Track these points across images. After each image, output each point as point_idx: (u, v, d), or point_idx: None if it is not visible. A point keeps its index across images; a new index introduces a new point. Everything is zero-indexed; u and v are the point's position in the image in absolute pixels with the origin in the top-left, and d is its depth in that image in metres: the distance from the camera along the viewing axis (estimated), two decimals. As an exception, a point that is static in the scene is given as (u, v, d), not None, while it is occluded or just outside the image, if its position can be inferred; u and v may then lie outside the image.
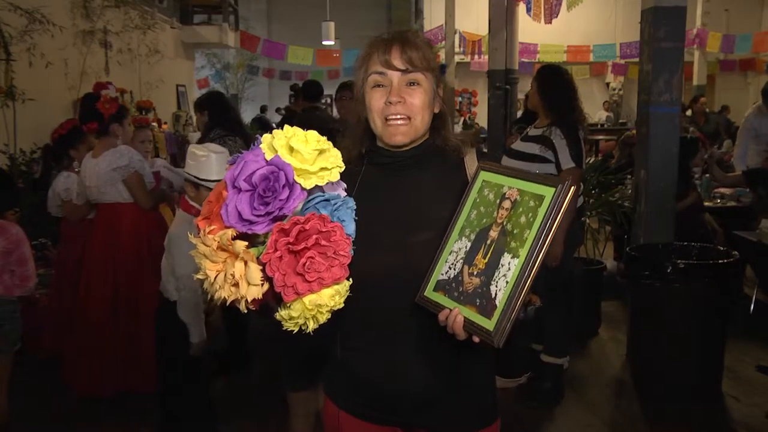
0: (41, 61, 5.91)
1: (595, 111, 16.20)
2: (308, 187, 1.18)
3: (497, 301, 1.17)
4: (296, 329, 1.20)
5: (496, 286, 1.18)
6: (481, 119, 12.38)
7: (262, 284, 1.15)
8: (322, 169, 1.19)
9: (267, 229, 1.16)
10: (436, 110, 1.45)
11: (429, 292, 1.29)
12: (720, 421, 3.41)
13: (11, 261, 3.04)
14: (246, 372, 3.96)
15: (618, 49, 13.88)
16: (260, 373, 3.97)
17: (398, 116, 1.38)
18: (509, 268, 1.17)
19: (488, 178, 1.31)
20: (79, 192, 3.90)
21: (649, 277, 3.55)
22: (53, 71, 6.36)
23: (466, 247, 1.27)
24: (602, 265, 4.78)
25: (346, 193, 1.27)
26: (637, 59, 4.41)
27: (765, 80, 15.89)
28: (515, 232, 1.20)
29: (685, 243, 3.81)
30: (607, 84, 16.93)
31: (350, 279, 1.19)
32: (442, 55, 12.44)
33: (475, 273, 1.23)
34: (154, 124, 7.51)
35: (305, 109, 5.27)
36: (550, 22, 7.98)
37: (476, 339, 1.20)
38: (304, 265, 1.13)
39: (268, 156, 1.17)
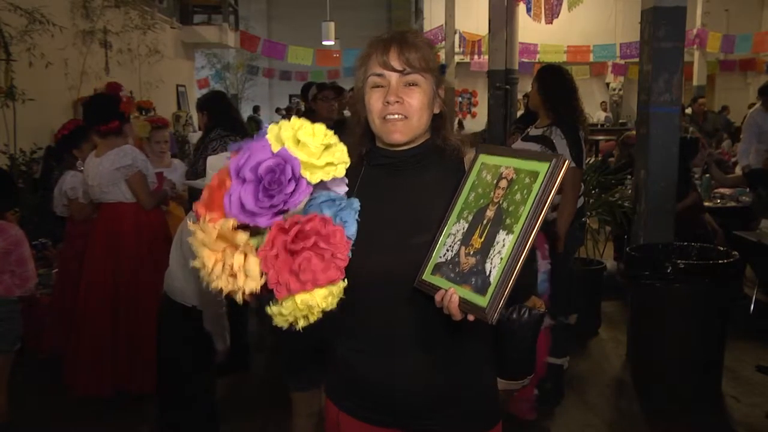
0: (41, 61, 5.90)
1: (594, 111, 16.21)
2: (314, 182, 1.16)
3: (491, 278, 1.17)
4: (286, 326, 1.19)
5: (491, 264, 1.18)
6: (481, 119, 12.38)
7: (261, 277, 1.14)
8: (329, 164, 1.18)
9: (269, 223, 1.14)
10: (436, 111, 1.44)
11: (427, 275, 1.29)
12: (720, 421, 3.41)
13: (11, 261, 3.05)
14: (246, 372, 3.96)
15: (618, 50, 13.88)
16: (260, 373, 3.97)
17: (395, 115, 1.38)
18: (504, 245, 1.17)
19: (486, 160, 1.32)
20: (84, 191, 3.91)
21: (649, 277, 3.55)
22: (53, 71, 6.36)
23: (463, 229, 1.27)
24: (602, 266, 4.78)
25: (348, 189, 1.26)
26: (637, 59, 4.41)
27: (765, 80, 15.95)
28: (510, 209, 1.20)
29: (685, 243, 3.81)
30: (607, 84, 16.93)
31: (345, 281, 1.18)
32: (442, 55, 12.44)
33: (471, 253, 1.22)
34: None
35: (307, 110, 5.29)
36: (551, 23, 7.99)
37: (471, 317, 1.19)
38: (299, 264, 1.12)
39: (275, 147, 1.16)
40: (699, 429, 3.34)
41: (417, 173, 1.44)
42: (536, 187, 1.17)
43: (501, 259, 1.16)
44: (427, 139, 1.45)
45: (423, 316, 1.33)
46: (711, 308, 3.50)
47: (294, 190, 1.13)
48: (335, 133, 1.23)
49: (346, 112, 4.66)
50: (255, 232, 1.17)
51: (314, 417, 2.59)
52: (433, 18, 15.17)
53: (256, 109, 15.07)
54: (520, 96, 7.94)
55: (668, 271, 3.44)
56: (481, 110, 13.09)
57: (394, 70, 1.37)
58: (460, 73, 14.03)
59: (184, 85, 11.76)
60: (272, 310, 1.18)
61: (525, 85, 7.17)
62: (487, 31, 8.45)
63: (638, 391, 3.71)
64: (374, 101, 1.39)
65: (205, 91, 11.45)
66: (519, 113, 7.27)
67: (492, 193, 1.25)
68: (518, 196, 1.19)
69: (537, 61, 13.65)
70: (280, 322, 1.18)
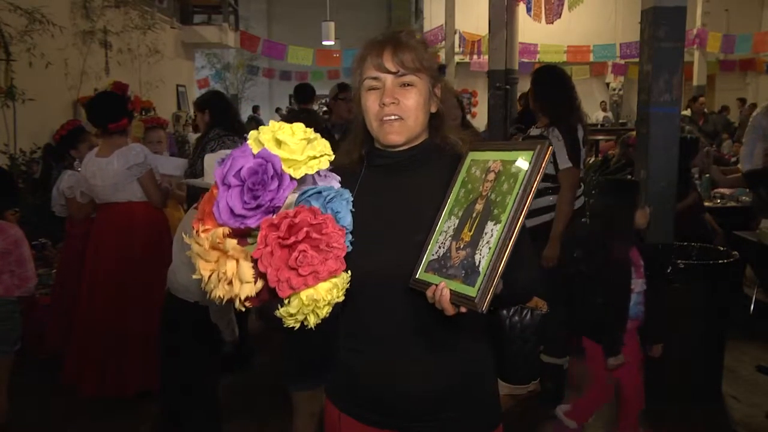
0: (41, 61, 5.91)
1: (594, 111, 16.20)
2: (298, 177, 1.16)
3: (480, 268, 1.17)
4: (297, 325, 1.19)
5: (480, 254, 1.18)
6: (481, 119, 12.37)
7: (255, 281, 1.14)
8: (311, 158, 1.18)
9: (259, 222, 1.14)
10: (433, 110, 1.44)
11: (420, 273, 1.29)
12: (720, 421, 3.41)
13: (11, 261, 3.04)
14: (246, 372, 3.96)
15: (618, 49, 13.90)
16: (260, 373, 3.97)
17: (391, 116, 1.38)
18: (492, 235, 1.18)
19: (476, 156, 1.33)
20: (82, 191, 3.90)
21: (649, 277, 3.54)
22: (53, 71, 6.36)
23: (454, 225, 1.27)
24: (602, 265, 4.77)
25: (340, 184, 1.26)
26: (637, 59, 4.41)
27: (765, 80, 15.96)
28: (498, 199, 1.21)
29: (685, 243, 3.81)
30: (607, 84, 16.92)
31: (348, 271, 1.17)
32: (442, 55, 12.44)
33: (461, 247, 1.23)
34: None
35: (295, 111, 5.31)
36: (552, 23, 7.99)
37: (463, 309, 1.19)
38: (296, 259, 1.11)
39: (255, 151, 1.16)
40: (699, 429, 3.34)
41: (416, 173, 1.44)
42: (521, 175, 1.18)
43: (489, 248, 1.17)
44: (425, 139, 1.45)
45: (423, 317, 1.33)
46: (711, 308, 3.50)
47: (278, 187, 1.14)
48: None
49: None
50: (249, 236, 1.18)
51: (315, 417, 2.59)
52: (433, 18, 15.17)
53: (255, 109, 15.09)
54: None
55: (668, 271, 3.44)
56: (481, 110, 13.08)
57: (388, 72, 1.37)
58: (460, 73, 14.04)
59: (184, 85, 11.77)
60: (281, 312, 1.18)
61: (525, 85, 7.14)
62: (487, 31, 8.46)
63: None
64: (370, 103, 1.40)
65: (204, 91, 11.45)
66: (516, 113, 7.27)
67: (481, 187, 1.26)
68: (505, 186, 1.20)
69: (537, 61, 13.65)
70: (291, 322, 1.18)
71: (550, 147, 1.18)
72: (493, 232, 1.18)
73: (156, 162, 3.82)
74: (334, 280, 1.15)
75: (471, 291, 1.17)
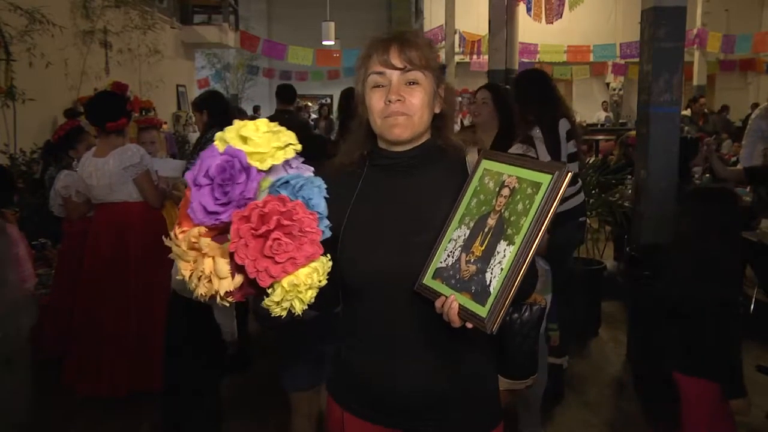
0: (41, 61, 5.91)
1: (594, 111, 16.20)
2: (265, 168, 1.18)
3: (491, 288, 1.17)
4: (285, 313, 1.19)
5: (491, 273, 1.18)
6: (481, 119, 12.36)
7: (233, 276, 1.15)
8: (276, 148, 1.19)
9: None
10: (437, 110, 1.44)
11: (428, 279, 1.29)
12: (720, 421, 3.40)
13: None
14: (246, 372, 3.96)
15: (618, 49, 13.89)
16: (260, 373, 3.97)
17: (397, 113, 1.37)
18: (504, 255, 1.18)
19: (489, 166, 1.32)
20: (78, 190, 3.90)
21: (649, 277, 3.55)
22: (53, 71, 6.36)
23: (465, 235, 1.27)
24: (602, 266, 4.78)
25: (316, 177, 1.25)
26: (637, 59, 4.41)
27: (765, 80, 15.95)
28: (512, 219, 1.20)
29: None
30: (607, 84, 16.93)
31: (329, 255, 1.17)
32: (442, 55, 12.44)
33: (472, 260, 1.23)
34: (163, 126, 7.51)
35: (278, 111, 5.40)
36: (552, 23, 7.99)
37: (469, 325, 1.20)
38: (270, 247, 1.12)
39: (221, 148, 1.19)
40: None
41: (418, 173, 1.44)
42: (538, 198, 1.17)
43: (501, 269, 1.17)
44: (427, 139, 1.45)
45: (425, 316, 1.33)
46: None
47: (246, 179, 1.15)
48: None
49: None
50: (227, 232, 1.19)
51: (314, 417, 2.59)
52: (433, 18, 15.18)
53: (256, 109, 15.08)
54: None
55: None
56: (481, 110, 13.09)
57: (395, 68, 1.37)
58: (460, 73, 14.04)
59: (184, 85, 11.77)
60: (266, 303, 1.18)
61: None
62: (487, 31, 8.45)
63: (638, 391, 3.71)
64: (375, 101, 1.39)
65: (203, 91, 11.45)
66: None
67: (494, 200, 1.25)
68: (520, 207, 1.19)
69: (537, 61, 13.66)
70: (278, 311, 1.18)
71: (569, 173, 1.16)
72: (506, 253, 1.18)
73: (155, 164, 3.82)
74: (313, 264, 1.15)
75: (481, 311, 1.17)
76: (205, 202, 1.15)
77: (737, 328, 2.44)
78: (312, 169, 1.26)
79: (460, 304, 1.21)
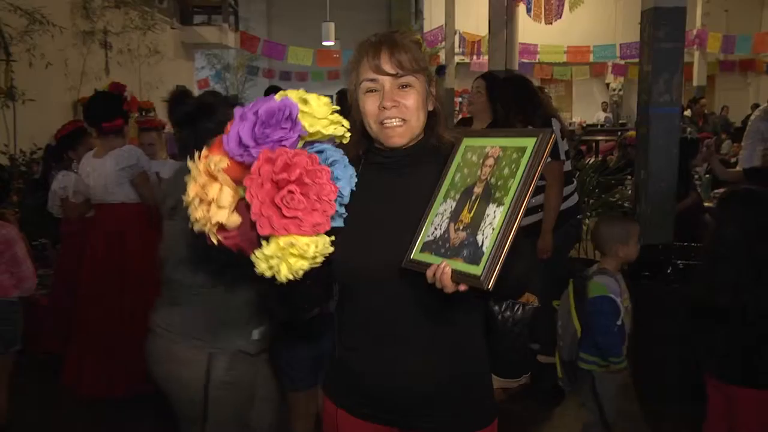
0: (41, 61, 5.91)
1: (594, 112, 16.20)
2: (311, 131, 1.19)
3: (484, 248, 1.17)
4: (268, 274, 1.16)
5: (483, 235, 1.19)
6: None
7: (232, 211, 1.15)
8: (329, 121, 1.20)
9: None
10: (430, 108, 1.45)
11: (416, 254, 1.29)
12: (720, 422, 3.40)
13: (4, 261, 3.02)
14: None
15: (618, 50, 13.89)
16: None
17: (393, 119, 1.38)
18: (495, 216, 1.19)
19: (470, 143, 1.34)
20: (75, 190, 3.90)
21: (648, 278, 3.55)
22: (53, 72, 6.36)
23: (451, 208, 1.28)
24: (602, 266, 4.77)
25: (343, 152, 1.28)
26: (637, 60, 4.41)
27: (765, 81, 15.95)
28: (499, 183, 1.22)
29: (685, 244, 3.81)
30: (607, 84, 16.93)
31: (333, 237, 1.17)
32: (442, 55, 12.43)
33: (461, 228, 1.23)
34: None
35: None
36: (551, 23, 7.99)
37: (462, 287, 1.19)
38: (282, 197, 1.11)
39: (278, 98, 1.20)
40: (699, 430, 3.33)
41: (414, 172, 1.45)
42: (524, 160, 1.19)
43: (493, 229, 1.18)
44: (422, 138, 1.46)
45: (420, 314, 1.34)
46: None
47: (290, 129, 1.15)
48: None
49: None
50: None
51: (312, 417, 2.59)
52: (433, 18, 15.17)
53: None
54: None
55: (668, 271, 3.44)
56: (481, 111, 13.09)
57: (387, 74, 1.37)
58: (460, 73, 14.03)
59: (184, 86, 11.76)
60: (257, 254, 1.17)
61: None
62: (487, 31, 8.46)
63: (638, 391, 3.70)
64: (369, 106, 1.40)
65: (203, 92, 11.45)
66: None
67: (479, 171, 1.27)
68: (506, 171, 1.21)
69: (537, 61, 13.67)
70: (262, 268, 1.16)
71: (553, 135, 1.19)
72: (496, 214, 1.19)
73: (155, 166, 3.84)
74: (314, 237, 1.14)
75: (475, 269, 1.17)
76: (242, 134, 1.15)
77: None
78: (352, 168, 1.27)
79: (453, 269, 1.20)
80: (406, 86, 1.39)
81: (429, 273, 1.22)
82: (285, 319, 1.28)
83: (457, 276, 1.19)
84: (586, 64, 14.77)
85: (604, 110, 16.06)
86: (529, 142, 1.20)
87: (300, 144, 1.20)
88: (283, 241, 1.12)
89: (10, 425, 3.19)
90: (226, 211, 1.15)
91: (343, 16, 15.05)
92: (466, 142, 1.34)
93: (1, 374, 3.12)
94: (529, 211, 3.42)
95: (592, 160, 6.94)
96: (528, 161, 1.18)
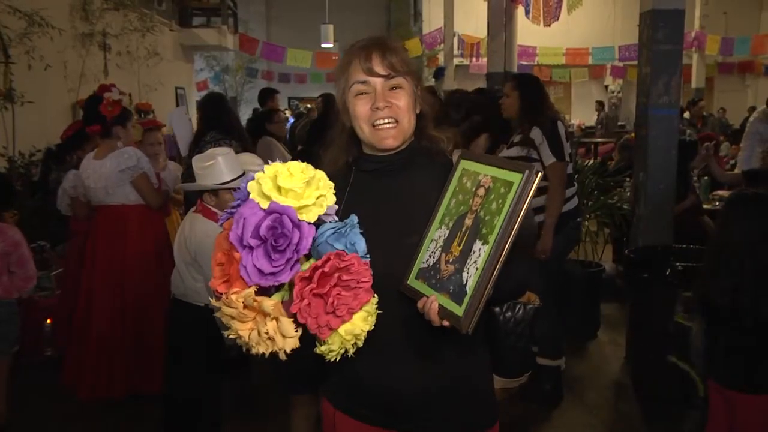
0: (40, 63, 5.90)
1: (593, 113, 16.20)
2: (313, 220, 1.20)
3: (467, 288, 1.20)
4: (339, 357, 1.25)
5: (467, 273, 1.21)
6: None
7: (297, 332, 1.20)
8: (319, 197, 1.21)
9: (291, 275, 1.18)
10: (417, 111, 1.47)
11: (411, 280, 1.33)
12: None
13: (11, 263, 3.04)
14: (246, 372, 3.95)
15: (617, 52, 13.90)
16: (260, 373, 3.96)
17: (386, 120, 1.40)
18: (479, 255, 1.20)
19: (467, 166, 1.34)
20: (83, 191, 3.91)
21: (647, 279, 3.55)
22: (52, 73, 6.36)
23: (444, 235, 1.30)
24: (601, 268, 4.78)
25: (337, 208, 1.29)
26: (635, 62, 4.42)
27: (763, 82, 15.97)
28: (486, 218, 1.23)
29: (684, 245, 3.81)
30: (606, 86, 16.94)
31: (376, 296, 1.24)
32: (441, 57, 12.44)
33: (450, 260, 1.26)
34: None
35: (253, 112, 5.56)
36: (549, 25, 7.99)
37: (446, 323, 1.23)
38: (332, 303, 1.17)
39: (264, 204, 1.18)
40: (698, 431, 3.34)
41: (406, 175, 1.46)
42: (510, 197, 1.19)
43: (476, 269, 1.20)
44: (412, 140, 1.47)
45: (418, 316, 1.34)
46: (710, 310, 3.49)
47: (300, 237, 1.17)
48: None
49: None
50: (277, 288, 1.23)
51: (313, 419, 2.59)
52: (431, 20, 15.18)
53: (255, 111, 15.08)
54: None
55: (667, 273, 3.44)
56: (480, 112, 13.09)
57: (379, 75, 1.39)
58: (459, 75, 14.02)
59: (183, 88, 11.77)
60: (321, 349, 1.24)
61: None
62: (485, 33, 8.46)
63: (637, 393, 3.71)
64: (361, 108, 1.41)
65: (204, 93, 11.46)
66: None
67: (471, 200, 1.28)
68: (494, 206, 1.22)
69: (536, 63, 13.67)
70: (333, 356, 1.25)
71: (539, 173, 1.19)
72: (480, 252, 1.20)
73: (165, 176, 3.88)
74: (366, 308, 1.22)
75: (458, 310, 1.21)
76: (260, 265, 1.16)
77: None
78: (336, 207, 1.28)
79: (439, 304, 1.24)
80: (397, 88, 1.41)
81: (419, 305, 1.28)
82: None
83: (443, 312, 1.24)
84: (584, 66, 14.78)
85: (598, 111, 15.90)
86: (516, 178, 1.20)
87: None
88: (344, 331, 1.20)
89: (10, 427, 3.19)
90: (296, 337, 1.20)
91: (342, 18, 15.05)
92: (463, 164, 1.35)
93: (0, 375, 3.12)
94: (535, 211, 3.47)
95: (591, 162, 6.94)
96: (513, 199, 1.18)
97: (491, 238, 1.19)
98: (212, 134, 4.00)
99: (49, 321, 4.25)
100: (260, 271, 1.16)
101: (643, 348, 3.77)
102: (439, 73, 12.21)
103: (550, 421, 3.42)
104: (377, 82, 1.39)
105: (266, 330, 1.18)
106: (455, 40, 12.52)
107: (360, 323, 1.21)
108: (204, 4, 12.27)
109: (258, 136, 5.31)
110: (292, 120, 10.89)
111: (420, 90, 1.48)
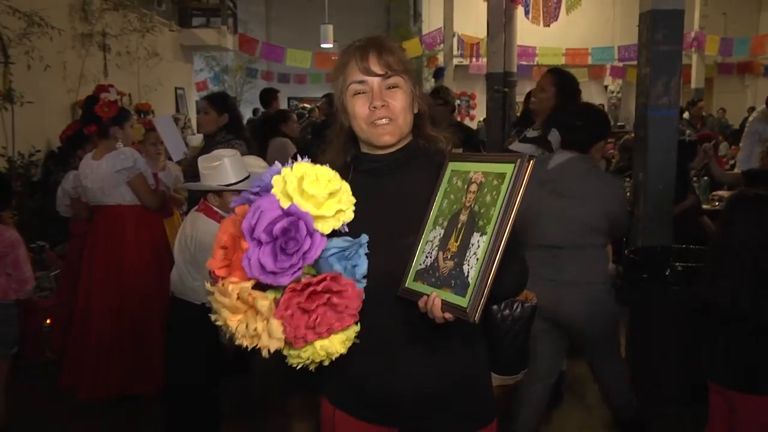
0: (40, 63, 5.90)
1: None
2: (327, 232, 1.20)
3: (470, 279, 1.20)
4: (299, 366, 1.26)
5: (468, 265, 1.22)
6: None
7: (284, 335, 1.19)
8: (338, 211, 1.21)
9: (290, 280, 1.17)
10: (415, 110, 1.48)
11: (409, 282, 1.33)
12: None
13: (7, 264, 3.03)
14: (246, 372, 3.95)
15: (616, 52, 13.90)
16: (260, 374, 3.96)
17: (383, 118, 1.41)
18: (478, 246, 1.21)
19: (456, 167, 1.36)
20: (82, 192, 3.91)
21: (647, 280, 3.55)
22: (52, 74, 6.35)
23: (440, 235, 1.31)
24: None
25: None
26: (635, 62, 4.42)
27: (762, 83, 15.97)
28: (482, 211, 1.23)
29: (683, 246, 3.81)
30: (606, 87, 16.94)
31: (358, 324, 1.24)
32: (440, 57, 12.43)
33: (449, 257, 1.26)
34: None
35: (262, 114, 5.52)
36: (549, 26, 7.99)
37: (449, 316, 1.23)
38: (314, 320, 1.17)
39: (284, 203, 1.18)
40: (698, 431, 3.34)
41: (404, 175, 1.47)
42: (504, 187, 1.21)
43: (477, 259, 1.20)
44: (410, 140, 1.48)
45: (416, 318, 1.34)
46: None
47: (311, 246, 1.17)
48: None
49: None
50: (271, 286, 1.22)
51: (312, 420, 2.59)
52: (431, 21, 15.17)
53: (255, 111, 15.07)
54: (519, 98, 7.93)
55: (666, 273, 3.44)
56: (480, 113, 13.10)
57: (375, 74, 1.40)
58: (459, 75, 14.03)
59: (182, 88, 11.76)
60: (290, 353, 1.23)
61: (523, 88, 7.17)
62: (485, 33, 8.47)
63: (637, 393, 3.70)
64: (359, 108, 1.42)
65: (204, 94, 11.45)
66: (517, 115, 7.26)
67: (464, 197, 1.29)
68: (488, 198, 1.23)
69: (535, 63, 13.67)
70: (295, 362, 1.25)
71: (532, 161, 1.20)
72: (479, 243, 1.21)
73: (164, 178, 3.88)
74: (346, 333, 1.22)
75: (462, 301, 1.21)
76: (265, 262, 1.16)
77: None
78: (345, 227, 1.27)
79: (442, 300, 1.24)
80: (394, 87, 1.42)
81: (421, 304, 1.28)
82: None
83: (446, 306, 1.24)
84: (584, 67, 14.76)
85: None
86: (507, 168, 1.22)
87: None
88: (319, 345, 1.21)
89: (9, 428, 3.18)
90: (281, 340, 1.20)
91: (342, 18, 15.04)
92: (452, 166, 1.37)
93: (-1, 376, 3.12)
94: None
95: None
96: (507, 188, 1.19)
97: (489, 228, 1.20)
98: (223, 134, 3.98)
99: (48, 321, 4.26)
100: (263, 268, 1.16)
101: (643, 348, 3.76)
102: (438, 74, 12.22)
103: (550, 422, 3.41)
104: (374, 81, 1.41)
105: (255, 327, 1.18)
106: (455, 40, 12.53)
107: (337, 345, 1.21)
108: (204, 5, 12.27)
109: (272, 137, 5.32)
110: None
111: (418, 90, 1.48)
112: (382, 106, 1.40)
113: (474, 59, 13.75)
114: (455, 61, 12.93)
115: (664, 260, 3.66)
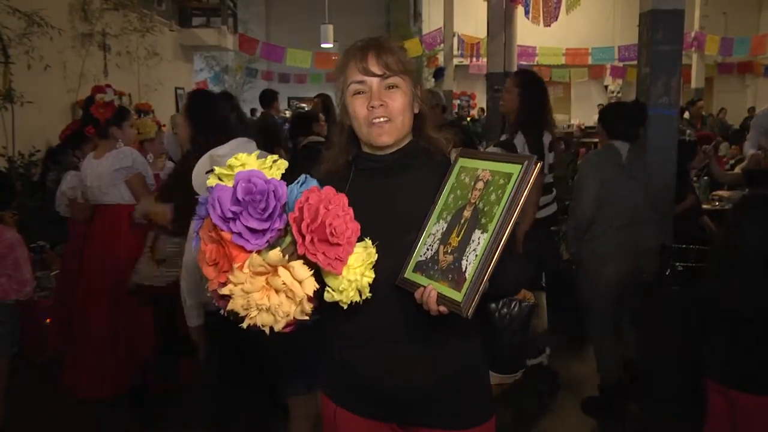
0: (40, 63, 5.90)
1: (592, 114, 16.20)
2: (278, 177, 1.24)
3: (467, 274, 1.22)
4: (347, 304, 1.26)
5: (467, 261, 1.23)
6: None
7: (311, 271, 1.20)
8: (274, 161, 1.26)
9: (283, 222, 1.21)
10: (416, 110, 1.48)
11: (409, 273, 1.35)
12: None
13: (7, 265, 3.02)
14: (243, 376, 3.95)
15: (616, 52, 13.91)
16: (257, 378, 3.95)
17: (381, 118, 1.42)
18: (479, 243, 1.23)
19: (465, 164, 1.37)
20: (83, 191, 3.91)
21: (647, 279, 3.55)
22: (52, 74, 6.36)
23: (443, 229, 1.32)
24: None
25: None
26: (635, 62, 4.42)
27: (763, 83, 15.99)
28: (486, 209, 1.25)
29: (683, 246, 3.81)
30: (606, 87, 16.95)
31: (368, 239, 1.28)
32: (440, 57, 12.44)
33: (449, 251, 1.28)
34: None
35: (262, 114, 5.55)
36: (549, 25, 7.99)
37: (443, 309, 1.25)
38: (330, 233, 1.18)
39: (228, 182, 1.23)
40: (698, 431, 3.34)
41: (404, 174, 1.48)
42: (509, 187, 1.22)
43: (476, 256, 1.22)
44: (410, 140, 1.49)
45: (415, 312, 1.35)
46: (709, 310, 3.49)
47: (275, 188, 1.20)
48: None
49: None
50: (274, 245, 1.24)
51: (312, 420, 2.59)
52: (431, 20, 15.19)
53: (252, 111, 15.08)
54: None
55: (666, 273, 3.44)
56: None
57: (374, 75, 1.42)
58: (459, 75, 14.05)
59: (182, 88, 11.76)
60: (333, 295, 1.25)
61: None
62: (485, 33, 8.47)
63: (637, 392, 3.71)
64: (359, 108, 1.43)
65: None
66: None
67: (470, 194, 1.31)
68: (493, 197, 1.25)
69: (536, 63, 13.67)
70: (343, 300, 1.26)
71: (539, 163, 1.22)
72: (480, 240, 1.22)
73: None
74: (358, 249, 1.24)
75: (457, 296, 1.22)
76: (251, 224, 1.18)
77: None
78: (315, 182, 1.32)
79: (438, 292, 1.26)
80: (393, 87, 1.42)
81: (417, 295, 1.30)
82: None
83: (442, 299, 1.25)
84: (584, 67, 14.78)
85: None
86: (515, 169, 1.23)
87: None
88: (346, 272, 1.24)
89: (9, 429, 3.18)
90: (312, 278, 1.21)
91: (342, 18, 15.04)
92: (462, 162, 1.38)
93: (-1, 376, 3.12)
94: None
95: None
96: (512, 189, 1.21)
97: (491, 227, 1.21)
98: (199, 146, 3.97)
99: (48, 321, 4.26)
100: (253, 231, 1.18)
101: (643, 348, 3.76)
102: (438, 74, 12.21)
103: (549, 421, 3.42)
104: (373, 81, 1.42)
105: (282, 281, 1.18)
106: (455, 40, 12.54)
107: (356, 264, 1.24)
108: (204, 5, 12.27)
109: (304, 136, 5.33)
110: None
111: (419, 90, 1.49)
112: (381, 105, 1.41)
113: (474, 59, 13.77)
114: (455, 61, 12.94)
115: (665, 260, 3.65)
